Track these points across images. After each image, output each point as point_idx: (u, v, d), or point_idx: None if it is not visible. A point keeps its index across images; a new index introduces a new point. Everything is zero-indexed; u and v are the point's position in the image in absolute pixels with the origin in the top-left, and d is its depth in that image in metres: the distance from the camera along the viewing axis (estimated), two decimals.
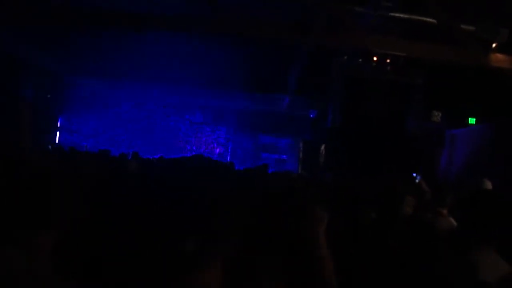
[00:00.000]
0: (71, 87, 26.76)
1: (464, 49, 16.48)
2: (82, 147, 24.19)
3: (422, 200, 8.21)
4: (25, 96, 22.18)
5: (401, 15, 16.91)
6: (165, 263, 1.94)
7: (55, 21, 17.34)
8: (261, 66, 22.25)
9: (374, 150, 20.36)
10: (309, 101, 26.80)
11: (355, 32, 16.95)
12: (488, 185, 10.42)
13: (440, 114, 21.64)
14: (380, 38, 17.52)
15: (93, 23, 17.76)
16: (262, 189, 6.96)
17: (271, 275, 3.23)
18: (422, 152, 20.79)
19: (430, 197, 8.17)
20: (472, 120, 21.11)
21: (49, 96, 25.08)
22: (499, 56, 16.63)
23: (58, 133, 27.34)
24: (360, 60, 21.04)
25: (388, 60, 20.57)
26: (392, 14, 16.77)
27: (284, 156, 30.02)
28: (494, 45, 16.30)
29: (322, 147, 23.71)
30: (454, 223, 6.53)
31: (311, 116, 27.63)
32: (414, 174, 13.52)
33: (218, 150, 30.19)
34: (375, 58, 20.65)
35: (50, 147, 22.13)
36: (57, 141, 26.53)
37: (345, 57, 21.34)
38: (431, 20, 16.47)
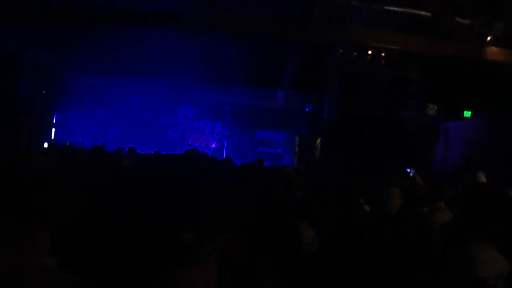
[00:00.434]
0: (66, 84, 26.73)
1: (459, 42, 16.52)
2: (77, 143, 24.15)
3: (417, 193, 8.23)
4: (21, 92, 22.16)
5: (396, 9, 16.93)
6: (159, 256, 1.95)
7: (52, 19, 17.35)
8: (256, 61, 22.26)
9: (370, 143, 20.41)
10: (304, 95, 26.81)
11: (350, 26, 16.98)
12: (482, 178, 10.42)
13: (436, 107, 21.67)
14: (375, 32, 17.56)
15: (89, 20, 17.78)
16: (259, 184, 7.00)
17: (267, 270, 3.25)
18: (417, 145, 20.84)
19: (425, 191, 8.19)
20: (467, 113, 21.13)
21: (44, 92, 25.05)
22: (494, 49, 16.67)
23: (53, 129, 27.30)
24: (355, 54, 21.05)
25: (383, 54, 20.59)
26: (387, 7, 16.79)
27: (280, 150, 30.02)
28: (489, 38, 16.35)
29: (318, 141, 23.75)
30: (451, 216, 6.55)
31: (307, 110, 27.63)
32: (408, 170, 13.54)
33: (214, 144, 30.16)
34: (370, 52, 20.65)
35: (45, 143, 22.13)
36: (52, 138, 26.50)
37: (341, 51, 21.34)
38: (426, 13, 16.50)
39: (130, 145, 17.64)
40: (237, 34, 19.53)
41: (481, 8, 15.93)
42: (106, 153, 13.79)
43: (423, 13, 16.55)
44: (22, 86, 22.46)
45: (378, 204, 6.46)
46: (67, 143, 18.68)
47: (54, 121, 27.38)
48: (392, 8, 16.82)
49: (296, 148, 26.34)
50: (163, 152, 14.33)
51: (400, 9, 16.82)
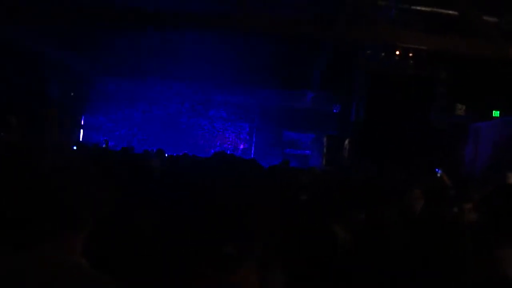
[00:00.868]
0: (94, 85, 26.90)
1: (487, 41, 16.39)
2: (103, 143, 24.27)
3: (444, 194, 8.17)
4: (50, 94, 22.32)
5: (424, 8, 16.87)
6: (201, 264, 1.95)
7: (81, 20, 17.45)
8: (285, 62, 22.28)
9: (398, 144, 20.31)
10: (332, 96, 26.78)
11: (378, 26, 16.93)
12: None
13: (464, 107, 21.50)
14: (403, 32, 17.48)
15: (117, 22, 17.86)
16: (287, 187, 6.99)
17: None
18: (446, 145, 20.70)
19: (453, 191, 8.13)
20: (496, 113, 20.93)
21: (72, 94, 25.21)
22: None
23: (81, 131, 27.47)
24: (383, 54, 20.95)
25: (411, 54, 20.47)
26: (414, 7, 16.73)
27: (308, 152, 29.94)
28: None
29: (346, 142, 23.68)
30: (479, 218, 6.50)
31: (335, 111, 27.58)
32: (437, 170, 13.43)
33: (241, 146, 30.19)
34: (398, 52, 20.55)
35: (75, 145, 22.29)
36: (80, 139, 26.65)
37: (368, 51, 21.25)
38: (453, 12, 16.41)
39: (158, 147, 17.70)
40: (265, 35, 19.54)
41: (509, 6, 15.81)
42: (135, 154, 13.84)
43: (450, 12, 16.47)
44: (51, 87, 22.61)
45: (400, 205, 6.45)
46: (95, 144, 18.72)
47: (82, 123, 27.55)
48: (419, 7, 16.75)
49: (324, 149, 26.26)
50: (191, 154, 14.39)
51: (428, 9, 16.74)
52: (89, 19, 17.44)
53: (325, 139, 26.28)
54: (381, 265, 4.32)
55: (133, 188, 5.22)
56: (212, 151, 24.80)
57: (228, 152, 24.13)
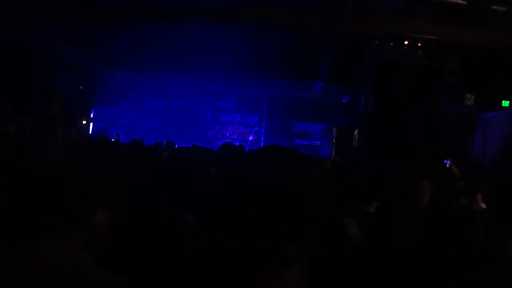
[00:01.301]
0: (103, 79, 26.95)
1: (496, 30, 16.35)
2: (114, 136, 24.35)
3: (453, 185, 8.18)
4: (59, 88, 22.39)
5: None
6: (251, 261, 1.95)
7: (88, 14, 17.47)
8: (293, 53, 22.24)
9: (407, 135, 20.28)
10: (341, 87, 26.76)
11: (386, 16, 16.90)
12: None
13: (473, 97, 21.45)
14: (412, 22, 17.44)
15: (124, 15, 17.88)
16: (293, 178, 7.00)
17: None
18: (455, 136, 20.65)
19: (462, 182, 8.14)
20: (505, 103, 20.85)
21: (81, 87, 25.27)
22: None
23: (91, 124, 27.54)
24: (392, 44, 20.91)
25: (419, 44, 20.42)
26: None
27: (318, 142, 29.94)
28: None
29: (356, 132, 23.67)
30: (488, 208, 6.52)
31: (344, 101, 27.57)
32: (446, 161, 13.40)
33: (251, 137, 30.22)
34: (406, 42, 20.51)
35: (84, 138, 22.33)
36: (90, 133, 26.70)
37: (376, 42, 21.21)
38: (462, 2, 16.36)
39: (168, 139, 17.74)
40: (273, 27, 19.54)
41: None
42: (146, 147, 13.85)
43: (458, 1, 16.41)
44: (60, 82, 22.68)
45: (407, 197, 6.45)
46: (103, 135, 18.75)
47: (91, 116, 27.62)
48: None
49: (334, 140, 26.23)
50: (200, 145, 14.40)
51: None
52: (97, 13, 17.47)
53: (334, 130, 26.25)
54: (390, 258, 4.34)
55: (147, 182, 5.24)
56: (221, 142, 24.85)
57: (237, 144, 24.20)
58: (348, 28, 17.72)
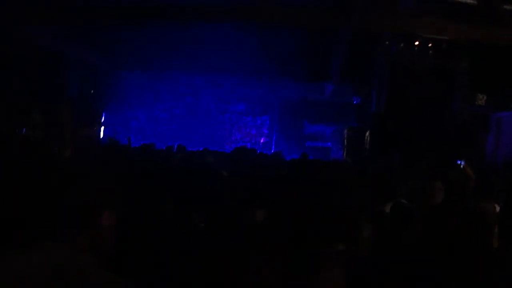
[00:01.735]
0: (115, 82, 27.00)
1: (507, 29, 16.30)
2: (125, 139, 24.38)
3: (467, 186, 8.15)
4: (69, 92, 22.45)
5: None
6: (296, 262, 1.95)
7: (98, 16, 17.51)
8: (303, 54, 22.26)
9: (419, 135, 20.23)
10: (352, 88, 26.72)
11: (396, 16, 16.87)
12: None
13: (485, 97, 21.36)
14: (422, 22, 17.41)
15: (135, 17, 17.91)
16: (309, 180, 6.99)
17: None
18: (467, 136, 20.58)
19: (475, 183, 8.10)
20: None
21: (92, 91, 25.32)
22: None
23: (102, 128, 27.57)
24: (402, 45, 20.86)
25: (430, 44, 20.36)
26: None
27: (329, 144, 29.89)
28: None
29: (367, 134, 23.62)
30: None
31: (355, 102, 27.53)
32: (459, 162, 13.35)
33: (262, 139, 30.22)
34: (417, 43, 20.46)
35: (94, 142, 22.37)
36: (101, 136, 26.73)
37: (387, 42, 21.17)
38: (472, 1, 16.31)
39: (179, 142, 17.74)
40: (283, 28, 19.55)
41: None
42: (157, 150, 13.84)
43: (469, 1, 16.36)
44: (70, 85, 22.74)
45: (420, 197, 6.44)
46: (114, 139, 18.79)
47: (102, 120, 27.65)
48: None
49: (345, 142, 26.20)
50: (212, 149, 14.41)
51: None
52: (107, 14, 17.51)
53: (345, 131, 26.22)
54: (405, 258, 4.32)
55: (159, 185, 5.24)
56: (233, 145, 24.85)
57: (249, 146, 24.22)
58: (358, 26, 17.69)
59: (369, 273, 4.02)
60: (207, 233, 3.69)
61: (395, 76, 22.07)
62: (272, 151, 27.28)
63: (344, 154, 25.54)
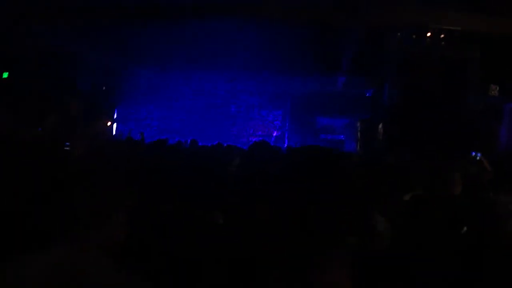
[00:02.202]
0: (127, 79, 27.03)
1: None
2: (138, 135, 24.41)
3: (483, 178, 8.10)
4: (81, 89, 22.49)
5: None
6: (300, 260, 1.94)
7: (110, 13, 17.53)
8: (315, 47, 22.22)
9: (432, 127, 20.16)
10: (364, 80, 26.66)
11: (408, 7, 16.81)
12: None
13: (498, 88, 21.26)
14: (434, 13, 17.34)
15: (147, 13, 17.92)
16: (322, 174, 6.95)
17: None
18: (481, 127, 20.50)
19: (491, 175, 8.05)
20: None
21: (104, 88, 25.36)
22: None
23: (115, 124, 27.62)
24: (414, 36, 20.78)
25: (442, 35, 20.27)
26: None
27: (342, 136, 29.87)
28: None
29: (380, 126, 23.56)
30: None
31: (368, 94, 27.47)
32: (474, 153, 13.26)
33: (275, 133, 30.23)
34: (429, 34, 20.37)
35: (107, 139, 22.42)
36: (114, 133, 26.79)
37: (399, 34, 21.09)
38: None
39: (192, 137, 17.77)
40: (293, 22, 19.52)
41: None
42: (170, 146, 13.86)
43: None
44: (82, 82, 22.79)
45: (438, 190, 6.39)
46: (129, 135, 18.84)
47: (115, 116, 27.72)
48: None
49: (358, 134, 26.16)
50: (225, 144, 14.41)
51: None
52: (118, 12, 17.52)
53: (358, 124, 26.18)
54: (421, 253, 4.30)
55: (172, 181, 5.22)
56: (245, 139, 24.89)
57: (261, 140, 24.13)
58: (368, 19, 17.65)
59: (383, 268, 4.00)
60: (223, 230, 3.69)
61: (407, 67, 22.00)
62: (285, 144, 27.33)
63: (358, 147, 25.53)
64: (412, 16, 17.12)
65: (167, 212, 4.29)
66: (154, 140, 12.98)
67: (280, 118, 30.37)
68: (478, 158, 12.17)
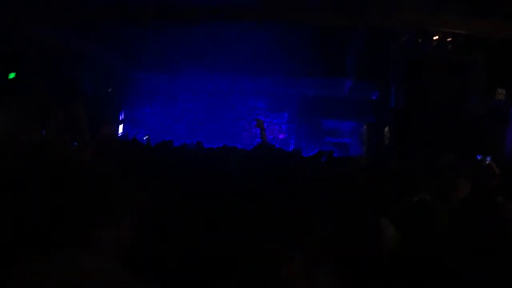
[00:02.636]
0: (132, 80, 27.06)
1: None
2: (144, 137, 24.41)
3: (491, 182, 8.07)
4: (87, 90, 22.53)
5: None
6: (253, 256, 1.95)
7: (115, 15, 17.57)
8: (320, 50, 22.24)
9: (438, 131, 20.16)
10: (370, 83, 26.65)
11: (413, 11, 16.81)
12: None
13: (505, 92, 21.24)
14: (439, 17, 17.34)
15: (152, 16, 17.94)
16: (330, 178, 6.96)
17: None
18: (487, 131, 20.47)
19: (499, 179, 8.03)
20: None
21: (110, 90, 25.40)
22: None
23: (121, 125, 27.65)
24: (420, 40, 20.78)
25: (449, 39, 20.26)
26: None
27: (348, 140, 29.86)
28: None
29: (386, 129, 23.57)
30: None
31: (373, 98, 27.46)
32: (479, 156, 13.27)
33: (281, 136, 30.21)
34: (435, 38, 20.37)
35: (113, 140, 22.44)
36: (120, 134, 26.81)
37: (405, 37, 21.10)
38: None
39: (198, 140, 17.78)
40: (299, 25, 19.55)
41: None
42: (175, 148, 13.86)
43: None
44: (88, 84, 22.83)
45: (444, 194, 6.38)
46: (135, 138, 18.88)
47: (121, 118, 27.75)
48: None
49: (364, 137, 26.17)
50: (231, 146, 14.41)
51: None
52: (126, 14, 17.56)
53: (364, 127, 26.19)
54: (428, 258, 4.29)
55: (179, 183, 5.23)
56: (250, 143, 24.91)
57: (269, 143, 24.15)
58: (374, 22, 17.66)
59: (387, 271, 3.99)
60: (228, 230, 3.68)
61: (413, 71, 22.00)
62: (291, 147, 27.34)
63: (364, 150, 25.53)
64: (418, 20, 17.10)
65: (173, 212, 4.29)
66: (159, 142, 13.00)
67: (286, 120, 30.37)
68: (487, 162, 12.15)
